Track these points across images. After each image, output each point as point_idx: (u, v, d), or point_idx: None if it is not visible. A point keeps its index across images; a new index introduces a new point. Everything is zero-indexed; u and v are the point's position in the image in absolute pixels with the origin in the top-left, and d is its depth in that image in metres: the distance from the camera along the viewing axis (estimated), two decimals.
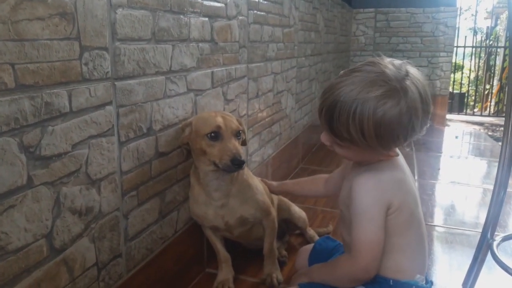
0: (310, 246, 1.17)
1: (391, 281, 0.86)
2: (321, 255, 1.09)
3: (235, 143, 1.03)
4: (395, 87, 0.75)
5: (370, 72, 0.77)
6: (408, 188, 0.87)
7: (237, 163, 0.99)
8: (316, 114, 0.86)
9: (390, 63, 0.79)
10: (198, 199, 1.12)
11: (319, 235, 1.47)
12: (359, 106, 0.75)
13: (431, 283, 0.91)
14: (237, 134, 1.05)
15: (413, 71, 0.79)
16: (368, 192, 0.83)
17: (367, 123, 0.75)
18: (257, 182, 1.19)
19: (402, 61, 0.81)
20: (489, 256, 1.10)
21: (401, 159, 0.90)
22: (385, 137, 0.77)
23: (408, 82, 0.76)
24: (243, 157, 1.01)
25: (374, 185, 0.83)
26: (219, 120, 1.03)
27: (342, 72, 0.82)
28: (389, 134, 0.77)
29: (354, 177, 0.85)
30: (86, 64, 0.76)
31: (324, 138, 0.87)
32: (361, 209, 0.83)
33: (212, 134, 1.02)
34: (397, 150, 0.86)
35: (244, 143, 1.19)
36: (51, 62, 0.69)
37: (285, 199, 1.44)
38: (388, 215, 0.83)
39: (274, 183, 1.28)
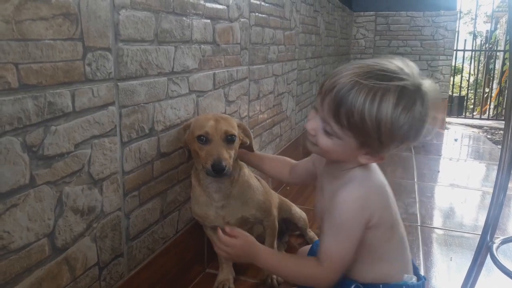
0: (309, 247, 1.17)
1: (380, 285, 0.86)
2: None
3: (221, 149, 1.00)
4: (416, 83, 0.74)
5: (391, 63, 0.76)
6: (387, 198, 0.84)
7: (215, 169, 0.96)
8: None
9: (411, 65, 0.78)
10: (199, 200, 1.12)
11: (318, 237, 1.47)
12: (380, 92, 0.71)
13: (424, 278, 0.92)
14: (228, 138, 1.03)
15: (429, 81, 0.78)
16: (350, 207, 0.79)
17: (385, 113, 0.71)
18: (257, 183, 1.19)
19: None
20: (488, 258, 1.10)
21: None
22: (400, 133, 0.74)
23: (426, 85, 0.75)
24: (225, 163, 0.97)
25: (357, 200, 0.80)
26: (210, 124, 1.01)
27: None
28: (403, 130, 0.74)
29: (337, 191, 0.81)
30: (89, 64, 0.77)
31: (313, 124, 0.79)
32: (340, 223, 0.80)
33: (202, 137, 1.01)
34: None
35: (250, 148, 1.15)
36: (55, 62, 0.69)
37: (286, 200, 1.45)
38: (367, 229, 0.81)
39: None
